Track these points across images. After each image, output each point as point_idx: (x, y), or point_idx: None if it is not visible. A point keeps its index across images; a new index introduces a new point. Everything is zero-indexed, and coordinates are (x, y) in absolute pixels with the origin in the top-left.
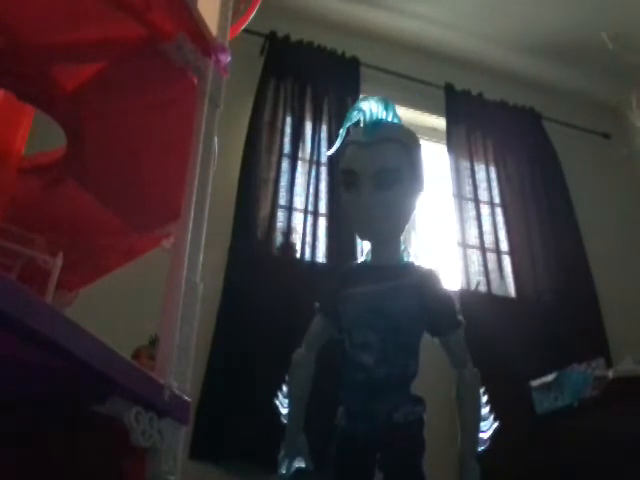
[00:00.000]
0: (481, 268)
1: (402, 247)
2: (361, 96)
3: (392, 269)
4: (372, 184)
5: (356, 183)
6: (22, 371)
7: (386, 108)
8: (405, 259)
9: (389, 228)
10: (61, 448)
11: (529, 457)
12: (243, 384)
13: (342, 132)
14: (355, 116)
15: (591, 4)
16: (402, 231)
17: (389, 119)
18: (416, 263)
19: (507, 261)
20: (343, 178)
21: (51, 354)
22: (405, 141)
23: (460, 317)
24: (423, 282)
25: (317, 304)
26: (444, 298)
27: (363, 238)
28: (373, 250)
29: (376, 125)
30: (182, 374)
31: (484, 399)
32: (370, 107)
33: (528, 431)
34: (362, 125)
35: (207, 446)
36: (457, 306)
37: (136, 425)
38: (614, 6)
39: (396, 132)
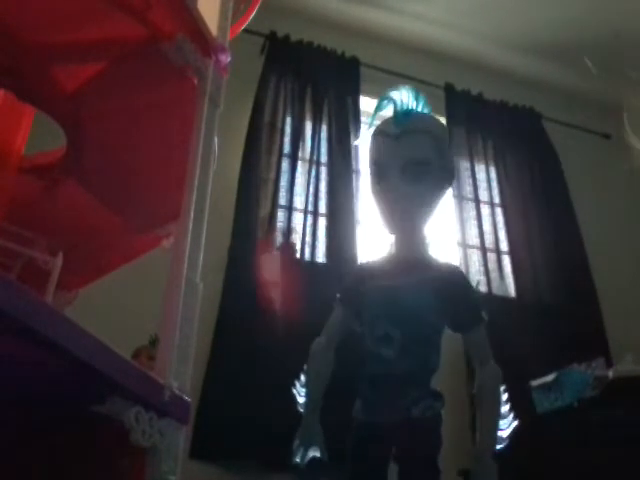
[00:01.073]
0: (481, 268)
1: (427, 241)
2: (361, 96)
3: (415, 262)
4: (401, 175)
5: (384, 173)
6: (22, 371)
7: (417, 98)
8: (429, 252)
9: (415, 220)
10: (61, 448)
11: (529, 457)
12: (243, 384)
13: (371, 121)
14: (385, 105)
15: (590, 4)
16: (427, 223)
17: (419, 109)
18: (439, 257)
19: (507, 261)
20: (371, 168)
21: (51, 354)
22: (435, 132)
23: (483, 313)
24: (446, 277)
25: (338, 295)
26: (468, 294)
27: (390, 231)
28: (397, 242)
29: (407, 115)
30: (182, 374)
31: (504, 397)
32: (401, 96)
33: (528, 431)
34: (392, 115)
35: (207, 446)
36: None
37: (136, 425)
38: (614, 6)
39: (427, 123)
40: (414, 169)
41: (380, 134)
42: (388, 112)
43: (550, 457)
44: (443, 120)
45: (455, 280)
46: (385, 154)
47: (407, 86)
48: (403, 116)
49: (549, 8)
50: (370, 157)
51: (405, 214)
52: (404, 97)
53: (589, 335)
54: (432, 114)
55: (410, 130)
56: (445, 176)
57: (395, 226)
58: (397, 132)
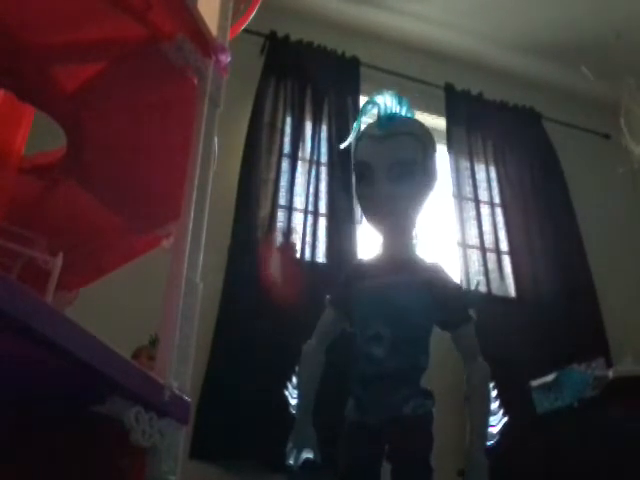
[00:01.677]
0: (481, 268)
1: (414, 241)
2: (361, 96)
3: (403, 262)
4: (386, 176)
5: (370, 175)
6: (22, 371)
7: (400, 102)
8: (416, 252)
9: (401, 221)
10: (61, 448)
11: (529, 457)
12: (243, 384)
13: (356, 125)
14: (369, 109)
15: (591, 4)
16: (413, 224)
17: (403, 113)
18: (426, 257)
19: (507, 261)
20: (357, 170)
21: (51, 354)
22: (419, 135)
23: (471, 311)
24: (433, 276)
25: (328, 297)
26: (454, 293)
27: (377, 231)
28: (384, 243)
29: (391, 119)
30: (182, 374)
31: (494, 394)
32: (385, 101)
33: (528, 431)
34: (377, 118)
35: (207, 446)
36: (467, 301)
37: (136, 425)
38: (614, 6)
39: (410, 126)
40: (399, 170)
41: (365, 137)
42: (373, 116)
43: (550, 457)
44: (443, 120)
45: (442, 280)
46: (370, 156)
47: (390, 91)
48: (387, 119)
49: (549, 8)
50: (355, 159)
51: (391, 215)
52: (388, 101)
53: (589, 335)
54: (415, 118)
55: (394, 132)
56: (429, 178)
57: (382, 227)
58: (381, 134)
